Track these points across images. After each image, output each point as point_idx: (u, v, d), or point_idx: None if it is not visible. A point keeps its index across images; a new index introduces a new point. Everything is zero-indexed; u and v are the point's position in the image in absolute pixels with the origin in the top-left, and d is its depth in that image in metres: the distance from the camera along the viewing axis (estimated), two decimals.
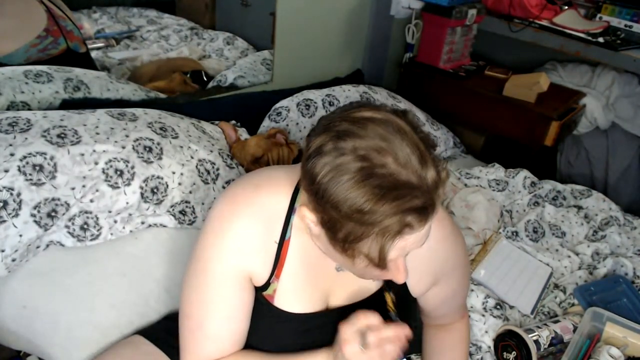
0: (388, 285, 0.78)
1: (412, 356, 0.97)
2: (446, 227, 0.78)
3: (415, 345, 0.96)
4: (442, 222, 0.77)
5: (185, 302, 0.73)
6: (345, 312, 0.70)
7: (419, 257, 0.69)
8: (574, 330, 1.02)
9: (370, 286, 0.76)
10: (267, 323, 0.74)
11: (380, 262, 0.57)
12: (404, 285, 0.79)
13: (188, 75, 1.79)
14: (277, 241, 0.70)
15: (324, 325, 0.74)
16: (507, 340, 0.99)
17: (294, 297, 0.72)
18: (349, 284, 0.74)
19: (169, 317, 0.96)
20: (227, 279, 0.69)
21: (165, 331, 0.89)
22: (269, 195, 0.70)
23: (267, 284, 0.72)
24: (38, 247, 0.89)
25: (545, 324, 1.03)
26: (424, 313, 0.90)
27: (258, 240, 0.69)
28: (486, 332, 1.03)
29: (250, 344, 0.75)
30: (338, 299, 0.75)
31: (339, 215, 0.54)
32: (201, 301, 0.70)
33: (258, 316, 0.74)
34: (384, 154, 0.53)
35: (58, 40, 1.36)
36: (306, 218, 0.60)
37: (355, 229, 0.55)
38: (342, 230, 0.56)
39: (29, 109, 1.10)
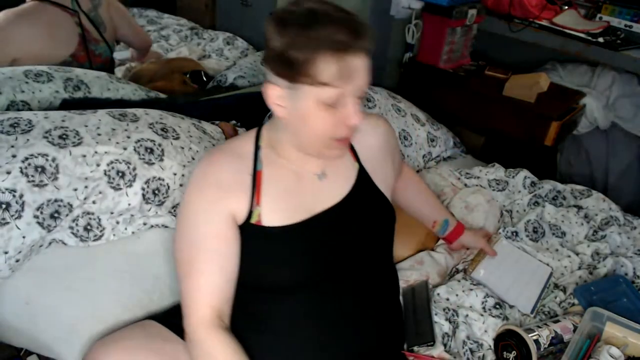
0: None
1: (415, 347, 0.98)
2: (370, 115, 0.98)
3: (420, 336, 0.98)
4: (367, 114, 0.93)
5: (177, 252, 0.81)
6: (329, 213, 0.83)
7: (376, 159, 0.91)
8: (574, 330, 1.02)
9: (350, 179, 0.88)
10: (264, 249, 0.81)
11: (318, 79, 0.69)
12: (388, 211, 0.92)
13: (188, 76, 1.80)
14: (251, 173, 0.81)
15: (312, 230, 0.82)
16: (507, 340, 1.00)
17: (279, 215, 0.81)
18: (332, 186, 0.85)
19: (174, 306, 0.96)
20: (210, 215, 0.78)
21: (172, 315, 0.89)
22: (236, 142, 0.86)
23: (250, 213, 0.80)
24: (41, 245, 0.90)
25: (546, 324, 1.03)
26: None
27: (233, 177, 0.80)
28: (485, 331, 1.03)
29: (256, 278, 0.81)
30: (322, 204, 0.84)
31: (284, 46, 0.70)
32: (190, 242, 0.79)
33: (255, 248, 0.80)
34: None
35: (83, 65, 1.42)
36: (271, 98, 0.75)
37: (302, 53, 0.69)
38: (292, 62, 0.69)
39: (29, 109, 1.10)
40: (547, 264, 1.22)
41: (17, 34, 1.28)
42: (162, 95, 1.45)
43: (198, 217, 0.79)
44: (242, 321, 0.81)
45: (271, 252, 0.81)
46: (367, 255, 0.87)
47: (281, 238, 0.81)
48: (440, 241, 1.28)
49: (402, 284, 1.10)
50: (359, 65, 0.72)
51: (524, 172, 1.52)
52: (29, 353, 0.97)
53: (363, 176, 0.89)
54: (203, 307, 0.76)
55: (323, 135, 0.76)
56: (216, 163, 0.82)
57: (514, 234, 1.31)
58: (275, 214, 0.81)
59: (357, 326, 0.83)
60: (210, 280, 0.77)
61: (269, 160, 0.83)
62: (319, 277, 0.82)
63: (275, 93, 0.75)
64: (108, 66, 1.53)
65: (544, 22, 1.73)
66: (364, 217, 0.88)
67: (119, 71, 1.79)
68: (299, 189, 0.83)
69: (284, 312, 0.81)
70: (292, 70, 0.70)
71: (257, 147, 0.84)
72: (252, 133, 0.87)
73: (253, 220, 0.80)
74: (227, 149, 0.85)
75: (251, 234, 0.80)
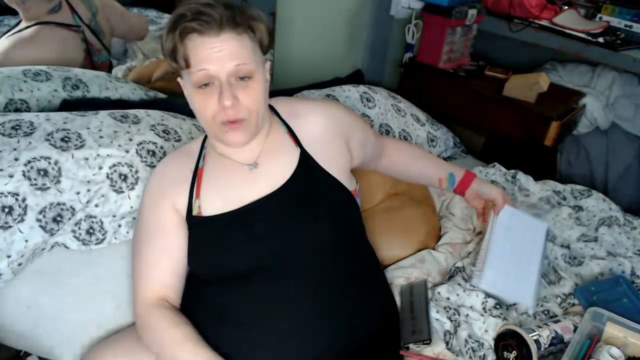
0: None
1: (411, 345, 0.98)
2: (312, 100, 1.02)
3: (416, 334, 0.98)
4: (307, 99, 1.04)
5: (132, 246, 0.89)
6: (269, 200, 0.85)
7: (321, 142, 0.90)
8: (575, 330, 1.03)
9: (291, 162, 0.88)
10: (207, 238, 0.85)
11: (187, 62, 0.77)
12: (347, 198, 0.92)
13: None
14: (192, 170, 0.88)
15: (252, 217, 0.84)
16: (507, 340, 1.00)
17: (216, 205, 0.85)
18: (270, 173, 0.87)
19: None
20: (154, 208, 0.86)
21: None
22: (190, 143, 0.94)
23: (190, 205, 0.86)
24: (43, 249, 0.90)
25: (546, 324, 1.04)
26: (373, 168, 1.10)
27: (177, 174, 0.88)
28: (486, 330, 1.04)
29: (209, 269, 0.85)
30: (259, 192, 0.86)
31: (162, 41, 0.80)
32: (139, 233, 0.87)
33: (200, 238, 0.85)
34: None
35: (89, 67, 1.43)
36: (183, 89, 0.83)
37: (167, 41, 0.79)
38: (165, 53, 0.79)
39: (28, 107, 1.10)
40: (540, 217, 1.20)
41: (23, 60, 1.28)
42: (162, 95, 1.45)
43: (145, 211, 0.88)
44: (203, 315, 0.83)
45: (214, 240, 0.84)
46: (321, 241, 0.85)
47: (220, 226, 0.84)
48: (442, 241, 1.28)
49: (403, 282, 1.10)
50: (211, 43, 0.75)
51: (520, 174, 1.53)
52: (28, 354, 0.97)
53: (306, 160, 0.88)
54: (145, 292, 0.83)
55: (207, 118, 0.80)
56: (167, 161, 0.91)
57: None
58: (213, 204, 0.85)
59: (321, 317, 0.81)
60: (152, 269, 0.84)
61: (210, 156, 0.90)
62: (268, 265, 0.81)
63: (181, 84, 0.84)
64: (107, 70, 1.53)
65: (544, 22, 1.73)
66: (310, 201, 0.87)
67: (119, 70, 1.79)
68: (235, 180, 0.86)
69: (241, 303, 0.81)
70: (170, 60, 0.79)
71: (203, 146, 0.91)
72: (204, 134, 0.93)
73: (194, 212, 0.85)
74: (181, 149, 0.94)
75: (195, 226, 0.85)
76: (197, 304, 0.85)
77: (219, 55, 0.75)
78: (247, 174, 0.87)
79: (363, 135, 1.01)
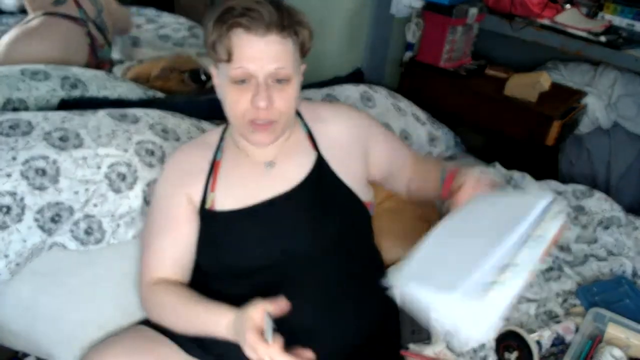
0: None
1: (412, 345, 0.98)
2: (338, 106, 0.99)
3: (416, 334, 0.98)
4: (333, 105, 0.98)
5: (142, 234, 0.92)
6: (280, 200, 0.85)
7: (340, 150, 0.89)
8: (576, 331, 1.02)
9: (306, 165, 0.87)
10: (218, 232, 0.85)
11: (229, 56, 0.76)
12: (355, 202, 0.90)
13: (186, 75, 1.79)
14: (210, 161, 0.88)
15: (263, 215, 0.85)
16: (508, 341, 1.00)
17: (230, 200, 0.86)
18: (284, 174, 0.87)
19: None
20: (168, 199, 0.87)
21: None
22: (207, 133, 0.93)
23: (204, 198, 0.86)
24: (42, 249, 0.89)
25: (547, 325, 1.03)
26: (396, 187, 1.01)
27: (194, 165, 0.88)
28: None
29: (217, 263, 0.86)
30: (272, 191, 0.86)
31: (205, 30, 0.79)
32: (150, 223, 0.88)
33: (211, 232, 0.86)
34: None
35: (92, 65, 1.46)
36: (215, 79, 0.83)
37: (213, 32, 0.77)
38: (207, 43, 0.78)
39: (26, 107, 1.10)
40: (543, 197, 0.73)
41: (28, 51, 1.30)
42: (160, 94, 1.45)
43: (158, 200, 0.89)
44: None
45: (224, 236, 0.85)
46: (326, 244, 0.85)
47: (232, 222, 0.85)
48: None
49: None
50: (256, 42, 0.75)
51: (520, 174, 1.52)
52: (26, 355, 0.96)
53: (321, 165, 0.88)
54: (150, 275, 0.85)
55: (237, 114, 0.80)
56: (184, 150, 0.92)
57: None
58: (227, 199, 0.85)
59: (321, 317, 0.82)
60: (160, 259, 0.85)
61: (229, 149, 0.90)
62: (274, 263, 0.83)
63: (214, 74, 0.84)
64: (109, 65, 1.53)
65: (546, 21, 1.73)
66: (320, 205, 0.87)
67: (118, 69, 1.78)
68: (251, 177, 0.87)
69: (244, 299, 0.78)
70: (210, 50, 0.79)
71: (222, 138, 0.91)
72: (224, 124, 0.92)
73: (207, 206, 0.86)
74: (199, 140, 0.94)
75: (207, 220, 0.86)
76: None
77: (261, 56, 0.75)
78: (263, 172, 0.87)
79: (387, 149, 0.97)
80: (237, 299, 0.80)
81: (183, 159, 0.90)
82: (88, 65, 1.40)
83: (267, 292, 0.79)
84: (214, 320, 0.75)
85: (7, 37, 1.31)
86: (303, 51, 0.82)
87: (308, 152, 0.89)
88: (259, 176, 0.87)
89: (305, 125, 0.92)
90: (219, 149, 0.90)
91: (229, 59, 0.76)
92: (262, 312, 0.68)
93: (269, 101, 0.77)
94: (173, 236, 0.86)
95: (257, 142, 0.83)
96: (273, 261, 0.83)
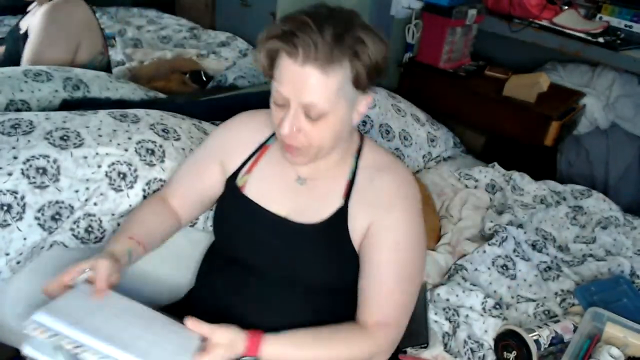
0: None
1: (409, 349, 0.98)
2: (399, 173, 0.85)
3: (413, 338, 0.98)
4: (399, 170, 0.86)
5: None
6: (304, 230, 0.82)
7: (365, 205, 0.81)
8: (575, 330, 1.03)
9: (329, 208, 0.82)
10: (237, 212, 0.86)
11: (268, 70, 0.75)
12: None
13: (187, 76, 1.80)
14: (261, 142, 0.89)
15: (279, 229, 0.83)
16: (507, 340, 1.00)
17: (260, 194, 0.85)
18: (310, 203, 0.83)
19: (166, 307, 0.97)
20: (207, 150, 0.92)
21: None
22: (269, 112, 0.82)
23: (236, 174, 0.88)
24: (42, 247, 0.90)
25: (546, 324, 1.03)
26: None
27: (243, 136, 0.90)
28: (486, 331, 1.03)
29: (223, 230, 0.88)
30: (299, 216, 0.83)
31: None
32: (191, 153, 0.96)
33: (231, 205, 0.87)
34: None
35: (106, 57, 1.51)
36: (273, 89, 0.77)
37: (259, 50, 0.75)
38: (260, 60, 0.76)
39: (29, 108, 1.10)
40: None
41: (81, 12, 1.38)
42: (162, 95, 1.45)
43: (205, 144, 0.94)
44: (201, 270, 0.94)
45: (240, 221, 0.86)
46: (309, 285, 0.82)
47: (251, 213, 0.85)
48: (441, 241, 1.28)
49: None
50: (294, 70, 0.70)
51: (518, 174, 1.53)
52: None
53: (338, 218, 0.81)
54: (164, 190, 0.94)
55: (275, 129, 0.79)
56: (242, 121, 0.93)
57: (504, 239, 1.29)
58: (256, 190, 0.86)
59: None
60: (176, 181, 0.93)
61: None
62: (257, 272, 0.83)
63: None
64: (107, 58, 1.55)
65: (544, 22, 1.73)
66: (320, 255, 0.82)
67: (119, 71, 1.79)
68: (282, 182, 0.85)
69: (220, 278, 0.86)
70: (265, 63, 0.77)
71: None
72: None
73: (239, 184, 0.87)
74: (259, 113, 0.93)
75: (233, 196, 0.87)
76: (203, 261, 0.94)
77: (296, 85, 0.71)
78: (293, 184, 0.85)
79: (394, 240, 0.81)
80: (216, 276, 0.87)
81: (236, 124, 0.92)
82: (104, 45, 1.47)
83: (237, 292, 0.84)
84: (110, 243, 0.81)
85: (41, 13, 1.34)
86: (359, 82, 0.73)
87: (337, 197, 0.83)
88: (288, 186, 0.85)
89: (354, 172, 0.84)
90: (274, 134, 0.87)
91: (272, 77, 0.75)
92: None
93: (294, 130, 0.73)
94: (193, 178, 0.91)
95: (289, 160, 0.81)
96: (256, 270, 0.83)
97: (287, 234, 0.83)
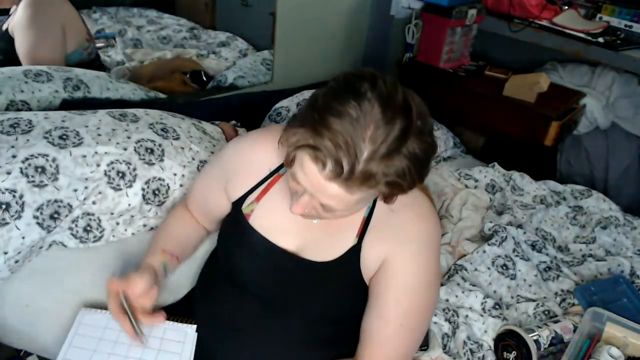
0: None
1: None
2: (419, 210, 0.78)
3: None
4: (419, 207, 0.78)
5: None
6: (311, 266, 0.77)
7: (380, 243, 0.76)
8: (574, 330, 1.02)
9: (342, 247, 0.77)
10: (238, 239, 0.82)
11: (289, 164, 0.66)
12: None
13: (187, 76, 1.80)
14: (272, 169, 0.81)
15: (286, 267, 0.79)
16: (507, 340, 1.00)
17: (268, 226, 0.80)
18: (322, 239, 0.78)
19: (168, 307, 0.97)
20: (214, 172, 0.88)
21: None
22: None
23: (242, 200, 0.82)
24: (41, 247, 0.90)
25: (546, 324, 1.03)
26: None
27: (254, 159, 0.82)
28: (485, 331, 1.03)
29: (226, 254, 0.85)
30: (310, 252, 0.78)
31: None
32: (205, 167, 0.94)
33: (234, 231, 0.83)
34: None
35: (94, 45, 1.48)
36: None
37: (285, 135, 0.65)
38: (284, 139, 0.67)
39: (29, 108, 1.10)
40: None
41: (57, 1, 1.33)
42: (162, 95, 1.45)
43: (214, 161, 0.91)
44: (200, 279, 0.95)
45: (242, 251, 0.81)
46: (309, 319, 0.81)
47: (253, 243, 0.80)
48: (441, 241, 1.28)
49: None
50: (316, 174, 0.61)
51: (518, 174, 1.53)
52: (28, 353, 0.97)
53: (351, 256, 0.77)
54: (186, 200, 0.96)
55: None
56: (260, 141, 0.83)
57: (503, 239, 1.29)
58: (265, 221, 0.80)
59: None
60: (194, 194, 0.94)
61: None
62: (258, 301, 0.81)
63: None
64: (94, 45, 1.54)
65: (544, 22, 1.73)
66: (331, 293, 0.79)
67: (119, 70, 1.79)
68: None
69: (221, 297, 0.85)
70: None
71: None
72: None
73: (245, 210, 0.81)
74: (276, 135, 0.76)
75: (238, 221, 0.82)
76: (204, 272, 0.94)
77: (314, 188, 0.63)
78: (303, 220, 0.77)
79: (402, 286, 0.77)
80: (220, 294, 0.86)
81: (252, 149, 0.82)
82: (88, 34, 1.44)
83: (229, 309, 0.83)
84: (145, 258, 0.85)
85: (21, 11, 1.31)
86: (388, 200, 0.68)
87: (351, 233, 0.77)
88: (299, 220, 0.77)
89: (371, 209, 0.77)
90: None
91: (289, 165, 0.66)
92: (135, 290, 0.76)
93: (304, 212, 0.68)
94: (204, 201, 0.91)
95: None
96: (257, 297, 0.81)
97: (295, 270, 0.79)
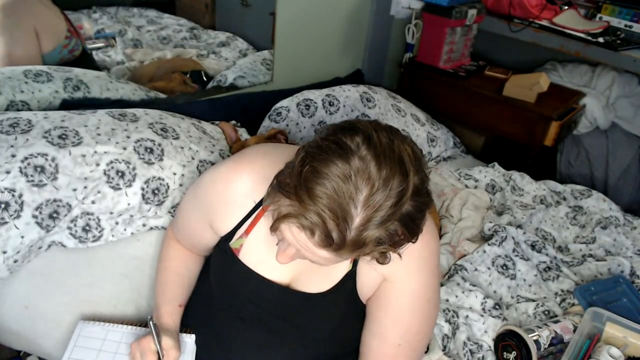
0: None
1: None
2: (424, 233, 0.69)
3: None
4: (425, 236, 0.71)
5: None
6: (307, 298, 0.76)
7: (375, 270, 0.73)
8: (574, 330, 1.02)
9: (336, 274, 0.76)
10: (229, 275, 0.80)
11: (273, 226, 0.61)
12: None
13: (188, 76, 1.80)
14: (257, 201, 0.76)
15: (281, 301, 0.77)
16: (507, 340, 1.00)
17: (258, 260, 0.77)
18: (315, 269, 0.73)
19: None
20: (196, 208, 0.83)
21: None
22: (270, 163, 0.74)
23: (231, 235, 0.78)
24: (40, 247, 0.90)
25: (546, 324, 1.03)
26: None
27: (238, 193, 0.76)
28: (485, 331, 1.03)
29: (218, 285, 0.83)
30: (303, 284, 0.77)
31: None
32: (185, 196, 0.89)
33: (223, 267, 0.81)
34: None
35: (78, 42, 1.41)
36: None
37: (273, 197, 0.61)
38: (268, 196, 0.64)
39: (29, 109, 1.10)
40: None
41: (32, 3, 1.28)
42: (162, 95, 1.45)
43: (194, 192, 0.85)
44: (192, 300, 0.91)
45: (231, 286, 0.80)
46: (308, 346, 0.80)
47: (244, 279, 0.78)
48: (441, 242, 1.28)
49: None
50: (309, 246, 0.58)
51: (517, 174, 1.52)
52: (28, 354, 0.97)
53: (346, 283, 0.75)
54: (172, 230, 0.93)
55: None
56: (240, 172, 0.77)
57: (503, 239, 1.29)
58: (255, 254, 0.77)
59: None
60: (179, 224, 0.90)
61: None
62: (249, 327, 0.80)
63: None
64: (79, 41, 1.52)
65: (544, 22, 1.73)
66: (328, 321, 0.78)
67: (119, 70, 1.79)
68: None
69: (218, 318, 0.84)
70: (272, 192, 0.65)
71: None
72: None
73: (233, 245, 0.78)
74: (259, 163, 0.76)
75: (226, 257, 0.79)
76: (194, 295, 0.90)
77: (303, 250, 0.60)
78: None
79: (382, 309, 0.76)
80: (212, 316, 0.84)
81: (234, 182, 0.76)
82: (70, 30, 1.38)
83: (226, 330, 0.82)
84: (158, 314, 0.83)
85: None
86: (380, 262, 0.65)
87: (344, 263, 0.75)
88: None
89: None
90: None
91: (274, 229, 0.61)
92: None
93: (291, 261, 0.66)
94: (189, 236, 0.88)
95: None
96: (253, 321, 0.80)
97: (289, 303, 0.78)
